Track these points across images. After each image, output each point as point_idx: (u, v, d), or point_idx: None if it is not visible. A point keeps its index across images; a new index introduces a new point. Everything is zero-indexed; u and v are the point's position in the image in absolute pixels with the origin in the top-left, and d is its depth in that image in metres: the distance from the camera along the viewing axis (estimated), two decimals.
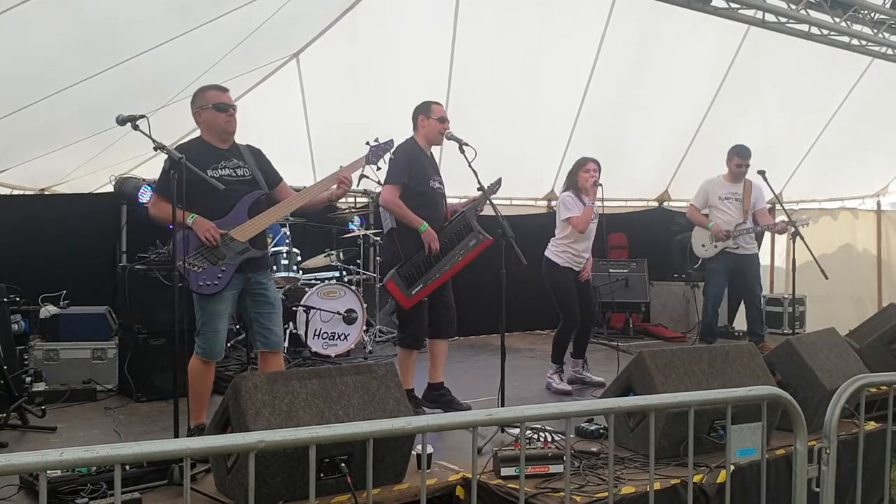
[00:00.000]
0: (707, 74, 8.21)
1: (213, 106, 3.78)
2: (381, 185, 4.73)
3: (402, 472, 3.19)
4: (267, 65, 6.75)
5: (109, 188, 6.66)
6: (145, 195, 6.23)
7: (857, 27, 6.39)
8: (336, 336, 6.43)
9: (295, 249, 6.53)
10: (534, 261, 4.86)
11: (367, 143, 4.20)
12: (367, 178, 5.30)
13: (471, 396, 4.97)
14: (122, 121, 3.45)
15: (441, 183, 4.66)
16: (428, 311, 4.59)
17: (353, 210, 7.39)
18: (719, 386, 3.62)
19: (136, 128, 3.44)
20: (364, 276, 7.20)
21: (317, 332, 6.32)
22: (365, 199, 7.77)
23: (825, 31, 6.30)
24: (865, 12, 6.32)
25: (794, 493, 2.83)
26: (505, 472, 3.25)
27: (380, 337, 7.41)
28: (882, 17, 6.39)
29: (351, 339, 6.52)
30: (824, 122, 8.90)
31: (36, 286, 5.70)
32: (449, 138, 4.56)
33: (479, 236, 4.48)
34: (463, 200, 4.85)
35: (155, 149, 3.46)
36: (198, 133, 3.93)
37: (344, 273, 7.01)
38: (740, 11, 5.97)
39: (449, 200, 4.85)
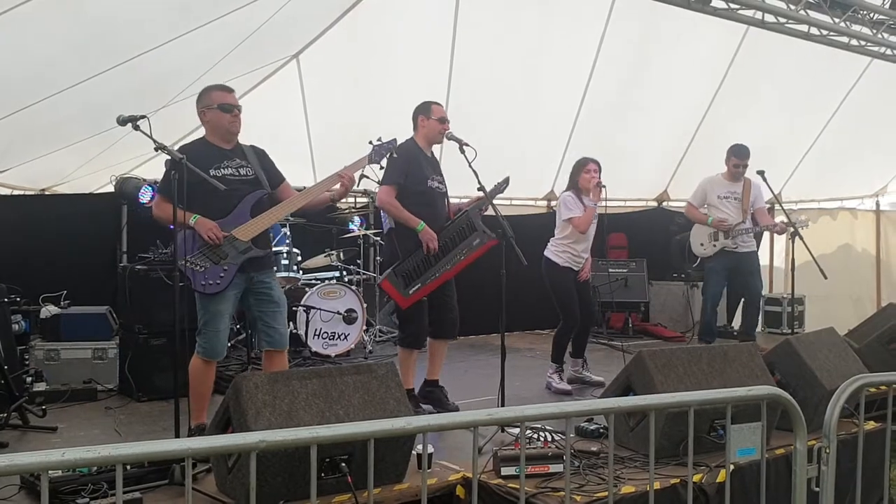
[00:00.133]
0: (706, 74, 8.22)
1: (218, 106, 3.79)
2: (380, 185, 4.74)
3: (402, 472, 3.20)
4: (267, 65, 6.77)
5: (110, 188, 6.66)
6: (146, 195, 6.23)
7: (856, 27, 6.39)
8: (336, 336, 6.44)
9: (295, 249, 6.54)
10: (533, 261, 4.87)
11: (370, 143, 4.20)
12: (368, 178, 5.31)
13: (471, 396, 4.98)
14: (122, 121, 3.46)
15: (441, 183, 4.66)
16: (430, 311, 4.60)
17: (353, 210, 7.40)
18: (719, 386, 3.63)
19: (136, 128, 3.45)
20: (364, 276, 7.21)
21: (317, 332, 6.33)
22: (365, 199, 7.78)
23: (824, 32, 6.30)
24: (864, 13, 6.33)
25: (794, 492, 2.84)
26: (505, 471, 3.26)
27: (380, 337, 7.42)
28: (881, 17, 6.40)
29: (351, 339, 6.53)
30: (823, 123, 8.91)
31: (36, 286, 5.71)
32: (449, 139, 4.57)
33: (483, 236, 4.48)
34: (465, 200, 4.86)
35: (156, 149, 3.46)
36: (198, 133, 3.94)
37: (344, 273, 7.02)
38: (740, 12, 5.98)
39: (451, 201, 4.85)
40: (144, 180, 6.40)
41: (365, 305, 6.64)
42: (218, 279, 3.66)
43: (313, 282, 6.71)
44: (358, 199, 7.93)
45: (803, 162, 9.44)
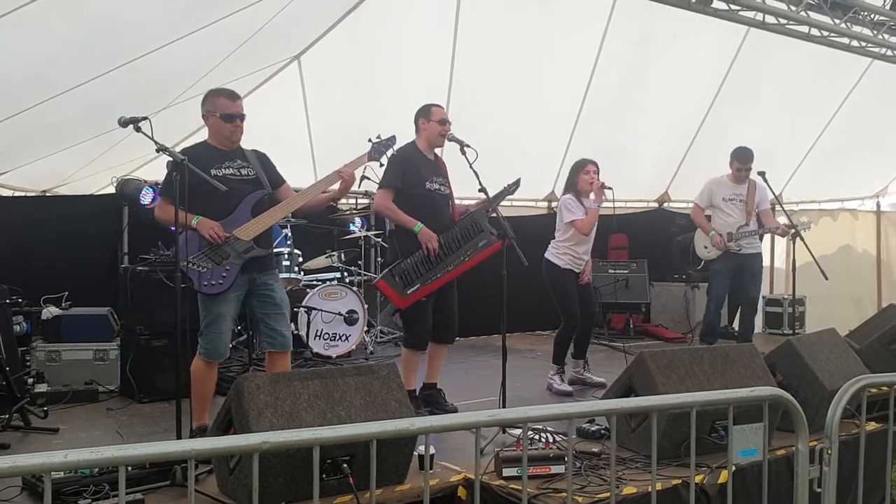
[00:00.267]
0: (707, 75, 8.22)
1: (221, 116, 3.81)
2: None
3: (403, 473, 3.20)
4: (269, 66, 6.77)
5: (111, 190, 6.67)
6: (147, 196, 6.23)
7: (856, 28, 6.39)
8: (337, 337, 6.44)
9: (296, 251, 6.55)
10: (534, 262, 4.87)
11: (370, 140, 4.22)
12: (369, 179, 5.32)
13: (472, 397, 4.99)
14: (124, 122, 3.47)
15: (443, 184, 4.65)
16: (432, 314, 4.60)
17: (354, 211, 7.40)
18: (720, 387, 3.63)
19: (138, 129, 3.46)
20: (365, 277, 7.21)
21: (318, 333, 6.33)
22: (366, 201, 7.79)
23: (825, 33, 6.30)
24: (865, 14, 6.33)
25: (796, 493, 2.83)
26: (507, 472, 3.26)
27: (381, 338, 7.42)
28: (882, 18, 6.40)
29: (352, 340, 6.53)
30: (824, 124, 8.91)
31: (38, 287, 5.70)
32: (450, 140, 4.58)
33: (490, 237, 4.48)
34: (473, 202, 4.85)
35: (157, 150, 3.47)
36: (199, 134, 3.96)
37: (345, 274, 7.02)
38: (740, 13, 5.97)
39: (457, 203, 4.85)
40: (145, 182, 6.40)
41: (366, 306, 6.65)
42: (220, 279, 3.67)
43: (314, 283, 6.72)
44: (359, 201, 7.93)
45: (804, 163, 9.45)
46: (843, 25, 6.22)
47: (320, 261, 6.93)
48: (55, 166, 6.46)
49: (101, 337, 5.28)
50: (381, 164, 4.34)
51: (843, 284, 8.97)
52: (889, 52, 6.78)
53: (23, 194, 6.75)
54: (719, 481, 3.27)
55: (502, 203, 4.64)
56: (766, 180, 6.33)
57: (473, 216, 4.58)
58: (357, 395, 3.13)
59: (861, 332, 5.57)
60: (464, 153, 4.42)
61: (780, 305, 8.40)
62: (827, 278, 6.36)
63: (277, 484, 2.85)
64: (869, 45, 6.56)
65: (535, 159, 8.38)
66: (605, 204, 5.43)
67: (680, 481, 3.24)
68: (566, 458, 2.97)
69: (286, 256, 6.39)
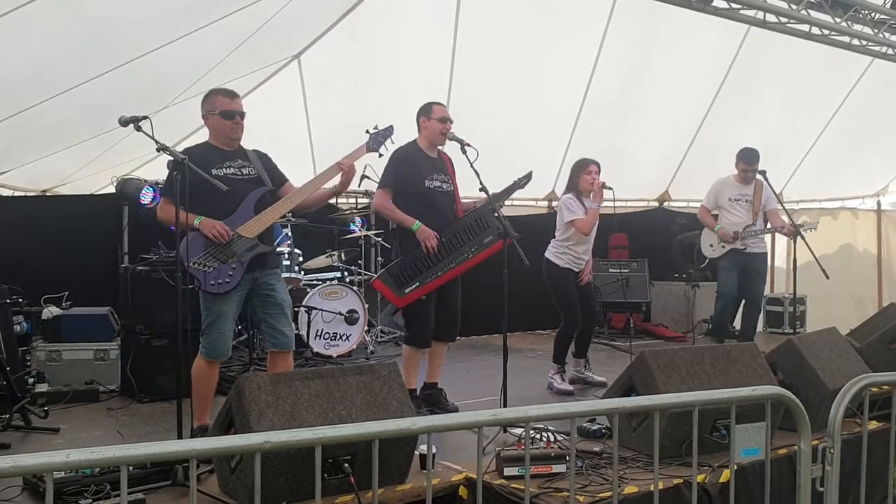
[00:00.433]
0: (708, 74, 8.21)
1: (220, 112, 3.82)
2: None
3: (405, 473, 3.20)
4: (268, 66, 6.76)
5: (111, 189, 6.66)
6: (147, 196, 6.23)
7: (857, 27, 6.39)
8: (338, 336, 6.44)
9: (297, 250, 6.55)
10: (534, 261, 4.86)
11: (367, 131, 4.23)
12: (369, 178, 5.32)
13: (473, 396, 4.98)
14: (124, 122, 3.47)
15: (444, 181, 4.64)
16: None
17: (354, 211, 7.40)
18: (721, 386, 3.62)
19: (138, 129, 3.46)
20: (366, 277, 7.20)
21: (318, 333, 6.33)
22: (366, 200, 7.78)
23: (826, 31, 6.30)
24: (866, 12, 6.32)
25: (799, 492, 2.83)
26: (508, 471, 3.25)
27: (381, 337, 7.41)
28: (882, 17, 6.40)
29: (353, 340, 6.53)
30: (825, 122, 8.91)
31: (38, 287, 5.70)
32: (451, 139, 4.57)
33: (496, 233, 4.47)
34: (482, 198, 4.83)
35: (158, 150, 3.47)
36: (199, 134, 3.96)
37: (345, 273, 7.02)
38: (741, 12, 5.97)
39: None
40: (145, 181, 6.40)
41: (366, 306, 6.64)
42: (227, 278, 3.67)
43: (315, 282, 6.71)
44: (359, 200, 7.93)
45: (804, 162, 9.44)
46: (843, 24, 6.21)
47: (320, 260, 6.93)
48: (55, 166, 6.45)
49: (101, 337, 5.28)
50: (380, 155, 4.35)
51: (844, 283, 8.96)
52: (890, 51, 6.77)
53: (23, 194, 6.74)
54: (721, 480, 3.27)
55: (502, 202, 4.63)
56: (766, 179, 6.32)
57: (479, 212, 4.58)
58: (358, 394, 3.13)
59: (862, 331, 5.55)
60: (464, 152, 4.42)
61: (780, 304, 8.39)
62: (828, 277, 6.35)
63: (278, 484, 2.85)
64: (870, 43, 6.56)
65: (536, 159, 8.27)
66: (605, 203, 5.42)
67: (681, 480, 3.24)
68: (568, 458, 2.97)
69: (287, 256, 6.39)
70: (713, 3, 5.77)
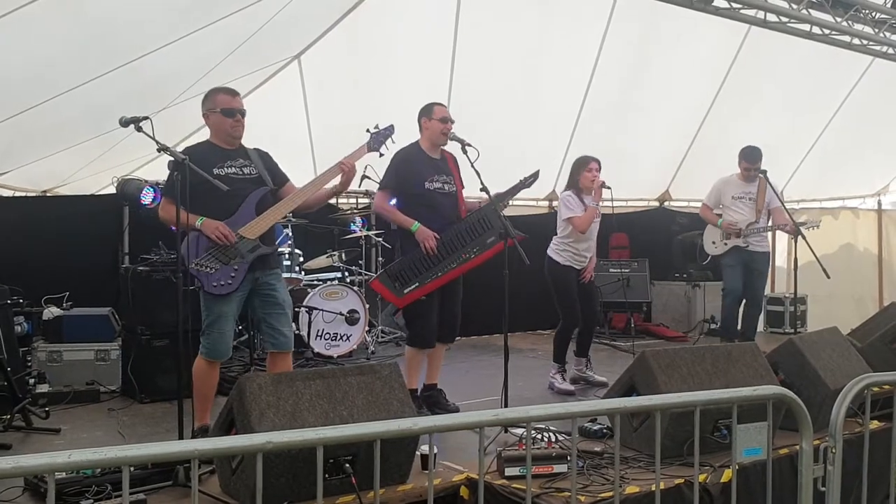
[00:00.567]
0: (708, 74, 8.21)
1: (221, 111, 3.81)
2: None
3: (406, 473, 3.19)
4: (269, 66, 6.76)
5: (111, 190, 6.67)
6: (147, 196, 6.23)
7: (858, 27, 6.39)
8: (338, 337, 6.44)
9: (297, 250, 6.55)
10: (535, 261, 4.86)
11: (368, 130, 4.23)
12: (369, 178, 5.32)
13: (473, 396, 4.98)
14: (125, 122, 3.46)
15: (446, 182, 4.63)
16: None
17: (354, 211, 7.40)
18: (722, 386, 3.62)
19: (139, 129, 3.45)
20: (366, 277, 7.20)
21: (319, 333, 6.33)
22: (366, 200, 7.78)
23: (826, 31, 6.30)
24: (866, 12, 6.32)
25: (800, 492, 2.83)
26: (509, 471, 3.25)
27: (382, 337, 7.42)
28: (883, 16, 6.39)
29: (353, 340, 6.52)
30: (825, 122, 8.90)
31: (38, 288, 5.70)
32: (452, 139, 4.57)
33: (499, 233, 4.46)
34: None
35: (159, 150, 3.46)
36: (199, 134, 3.95)
37: (346, 274, 7.02)
38: (742, 11, 5.97)
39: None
40: (146, 181, 6.40)
41: (367, 306, 6.64)
42: (230, 279, 3.67)
43: (315, 283, 6.71)
44: (359, 200, 7.93)
45: (805, 161, 9.44)
46: (844, 23, 6.21)
47: (321, 260, 6.93)
48: (55, 166, 6.45)
49: (102, 337, 5.28)
50: (381, 155, 4.35)
51: (845, 283, 8.96)
52: (890, 51, 6.77)
53: (23, 194, 6.74)
54: (722, 480, 3.27)
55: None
56: (767, 179, 6.31)
57: (482, 212, 4.58)
58: (359, 394, 3.13)
59: (863, 331, 5.55)
60: (465, 152, 4.43)
61: (781, 304, 8.39)
62: (829, 277, 6.34)
63: (280, 484, 2.85)
64: (870, 43, 6.56)
65: (536, 159, 8.25)
66: (604, 203, 5.43)
67: (683, 480, 3.24)
68: (569, 458, 2.96)
69: (287, 256, 6.39)
70: (714, 3, 5.77)
